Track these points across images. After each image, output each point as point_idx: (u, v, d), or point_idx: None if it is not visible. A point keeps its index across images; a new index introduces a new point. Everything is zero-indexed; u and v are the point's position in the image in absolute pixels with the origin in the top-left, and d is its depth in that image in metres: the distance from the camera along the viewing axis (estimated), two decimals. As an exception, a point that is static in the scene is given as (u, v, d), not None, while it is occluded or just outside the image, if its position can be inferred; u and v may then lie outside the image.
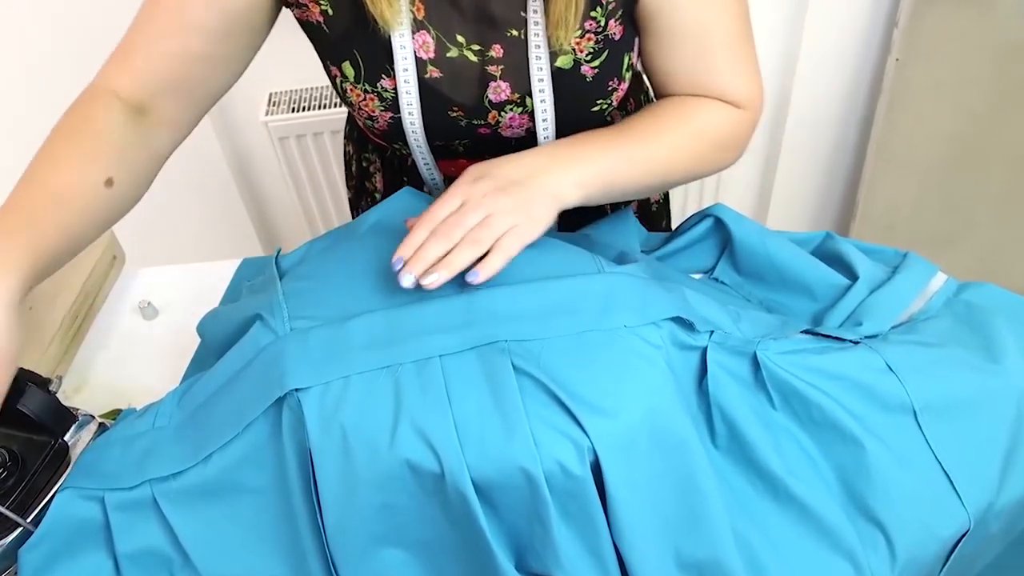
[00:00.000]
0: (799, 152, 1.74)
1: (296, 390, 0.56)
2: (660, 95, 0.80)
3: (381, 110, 0.75)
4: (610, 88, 0.76)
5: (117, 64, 0.72)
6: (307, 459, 0.56)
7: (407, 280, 0.58)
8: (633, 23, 0.75)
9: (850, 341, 0.67)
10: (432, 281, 0.58)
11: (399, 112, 0.75)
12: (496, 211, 0.62)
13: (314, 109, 1.51)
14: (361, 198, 1.01)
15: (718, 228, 0.81)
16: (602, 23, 0.71)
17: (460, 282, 0.61)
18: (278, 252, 0.73)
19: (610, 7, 0.71)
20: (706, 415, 0.61)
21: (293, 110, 1.52)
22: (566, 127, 0.77)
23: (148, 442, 0.63)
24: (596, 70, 0.74)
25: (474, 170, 0.68)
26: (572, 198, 0.68)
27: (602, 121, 0.79)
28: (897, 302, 0.73)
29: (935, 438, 0.62)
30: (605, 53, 0.73)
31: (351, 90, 0.75)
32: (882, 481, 0.60)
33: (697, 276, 0.81)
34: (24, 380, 0.62)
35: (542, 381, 0.55)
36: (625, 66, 0.76)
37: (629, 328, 0.58)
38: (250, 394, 0.60)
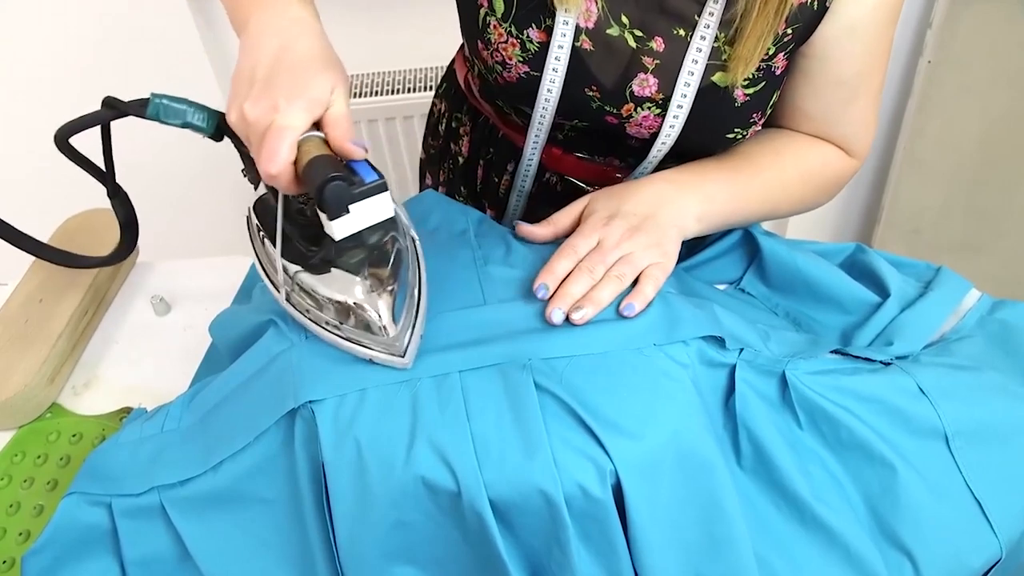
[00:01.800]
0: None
1: (310, 402, 0.55)
2: (773, 126, 0.80)
3: (519, 60, 0.71)
4: (752, 120, 0.73)
5: None
6: (320, 472, 0.54)
7: (557, 316, 0.59)
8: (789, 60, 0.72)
9: (881, 362, 0.65)
10: (582, 316, 0.59)
11: (538, 70, 0.71)
12: (635, 249, 0.64)
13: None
14: (443, 160, 0.97)
15: (746, 240, 0.79)
16: (771, 52, 0.68)
17: (483, 296, 0.59)
18: None
19: (785, 39, 0.68)
20: (732, 434, 0.60)
21: (312, 101, 1.49)
22: (691, 144, 0.74)
23: (156, 446, 0.62)
24: (748, 97, 0.71)
25: (603, 204, 0.70)
26: (693, 231, 0.71)
27: (724, 148, 0.77)
28: (929, 321, 0.72)
29: (967, 465, 0.61)
30: (762, 83, 0.70)
31: (495, 26, 0.71)
32: (911, 507, 0.59)
33: (722, 287, 0.79)
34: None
35: (565, 400, 0.53)
36: (771, 102, 0.73)
37: (657, 346, 0.56)
38: (262, 403, 0.58)
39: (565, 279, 0.62)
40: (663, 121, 0.72)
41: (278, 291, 0.61)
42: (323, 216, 0.52)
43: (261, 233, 0.64)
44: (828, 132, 0.78)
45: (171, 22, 1.44)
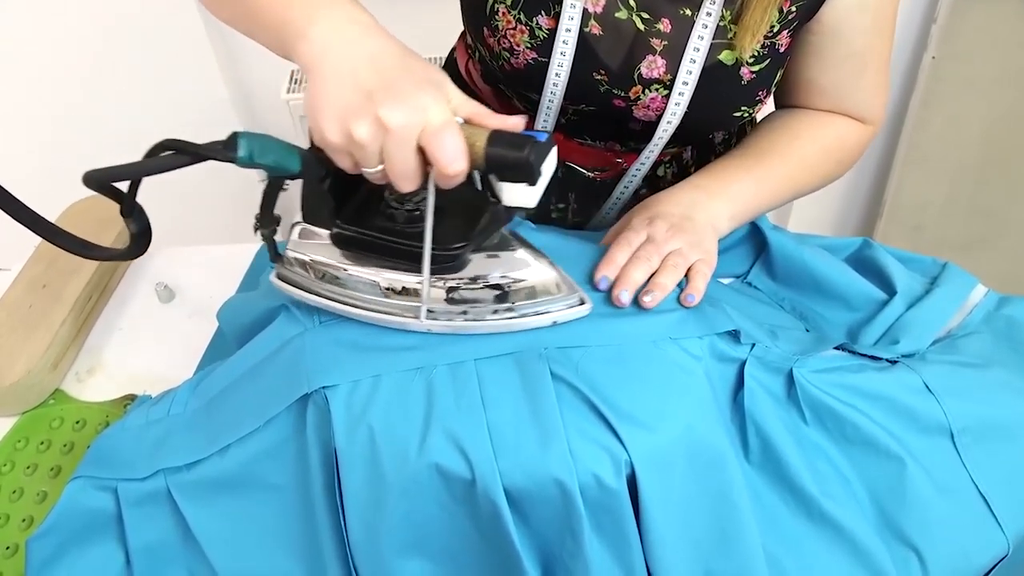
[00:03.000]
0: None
1: (324, 387, 0.54)
2: (785, 105, 0.82)
3: (527, 47, 0.71)
4: (758, 98, 0.74)
5: None
6: (331, 459, 0.54)
7: (626, 297, 0.60)
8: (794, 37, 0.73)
9: (887, 360, 0.65)
10: (652, 299, 0.60)
11: (545, 56, 0.71)
12: (681, 246, 0.66)
13: (335, 87, 1.49)
14: None
15: (753, 234, 0.79)
16: (775, 29, 0.70)
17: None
18: None
19: (789, 17, 0.69)
20: (740, 428, 0.60)
21: (314, 88, 1.48)
22: (698, 124, 0.75)
23: (162, 430, 0.62)
24: (754, 75, 0.72)
25: (641, 211, 0.71)
26: (726, 229, 0.73)
27: (730, 129, 0.79)
28: (935, 318, 0.72)
29: (973, 462, 0.61)
30: (767, 61, 0.71)
31: (504, 13, 0.71)
32: (918, 503, 0.59)
33: (727, 280, 0.79)
34: None
35: (581, 390, 0.53)
36: (776, 80, 0.74)
37: (673, 340, 0.56)
38: (273, 387, 0.58)
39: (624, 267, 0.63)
40: (668, 102, 0.72)
41: (415, 317, 0.56)
42: (513, 190, 0.49)
43: (351, 269, 0.57)
44: (842, 103, 0.79)
45: (176, 20, 1.43)
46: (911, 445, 0.60)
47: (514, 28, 0.71)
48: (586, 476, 0.50)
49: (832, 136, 0.80)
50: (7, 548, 0.66)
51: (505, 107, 0.83)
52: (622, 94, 0.73)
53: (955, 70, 1.47)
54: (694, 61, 0.70)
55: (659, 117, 0.74)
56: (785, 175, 0.77)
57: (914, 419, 0.60)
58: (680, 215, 0.69)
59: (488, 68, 0.78)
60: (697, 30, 0.69)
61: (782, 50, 0.72)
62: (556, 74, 0.72)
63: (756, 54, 0.70)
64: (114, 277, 0.87)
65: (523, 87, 0.77)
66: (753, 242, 0.79)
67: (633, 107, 0.73)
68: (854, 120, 0.80)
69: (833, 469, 0.60)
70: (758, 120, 0.84)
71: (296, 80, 1.50)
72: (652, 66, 0.71)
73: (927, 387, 0.62)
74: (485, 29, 0.73)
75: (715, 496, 0.54)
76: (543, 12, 0.70)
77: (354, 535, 0.54)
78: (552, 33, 0.70)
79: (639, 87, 0.72)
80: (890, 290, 0.73)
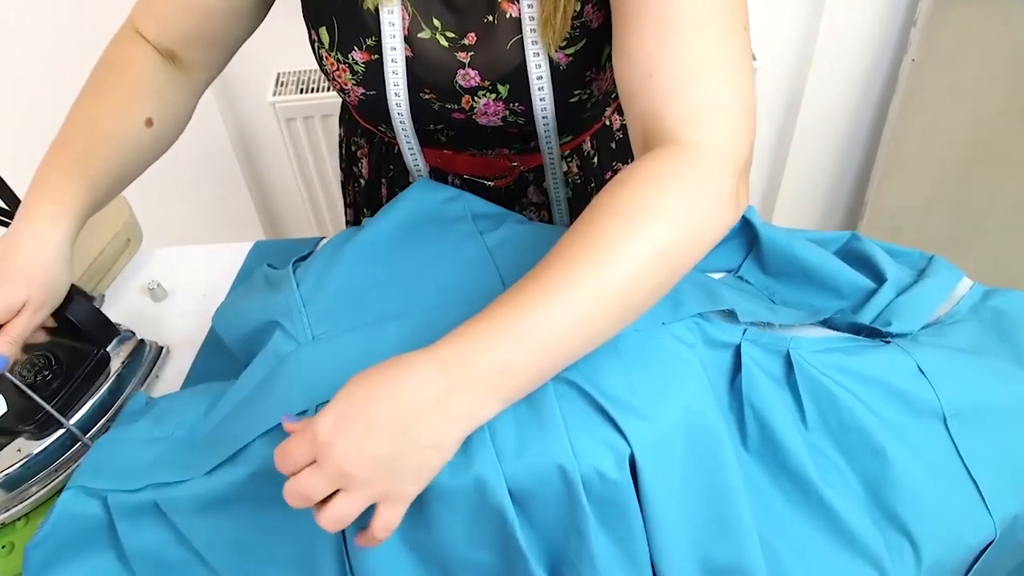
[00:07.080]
0: (808, 150, 1.73)
1: (321, 403, 0.54)
2: (625, 103, 0.61)
3: (353, 83, 0.74)
4: (588, 78, 0.74)
5: (143, 10, 0.74)
6: None
7: None
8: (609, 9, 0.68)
9: (881, 338, 0.65)
10: None
11: (372, 89, 0.74)
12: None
13: (322, 91, 1.49)
14: (349, 182, 1.00)
15: (745, 229, 0.79)
16: (577, 8, 0.68)
17: (502, 282, 0.59)
18: (295, 260, 0.71)
19: None
20: (737, 415, 0.60)
21: (301, 91, 1.49)
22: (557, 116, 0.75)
23: (163, 448, 0.61)
24: (570, 58, 0.71)
25: (327, 425, 0.46)
26: (486, 414, 0.48)
27: (584, 112, 0.78)
28: (925, 306, 0.72)
29: (964, 445, 0.61)
30: (582, 42, 0.70)
31: (326, 57, 0.74)
32: (910, 488, 0.59)
33: (718, 275, 0.80)
34: (72, 292, 0.67)
35: (579, 385, 0.53)
36: (605, 56, 0.73)
37: (665, 326, 0.57)
38: (272, 406, 0.57)
39: None
40: (507, 103, 0.73)
41: None
42: None
43: None
44: (662, 91, 0.57)
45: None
46: (904, 430, 0.60)
47: (337, 69, 0.74)
48: (588, 470, 0.50)
49: (649, 226, 0.51)
50: (3, 548, 0.66)
51: (391, 151, 0.88)
52: (455, 107, 0.74)
53: (935, 73, 1.49)
54: (538, 55, 0.70)
55: (504, 119, 0.75)
56: (574, 312, 0.49)
57: (907, 402, 0.61)
58: (363, 460, 0.46)
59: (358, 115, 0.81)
60: (528, 34, 0.69)
61: (594, 26, 0.70)
62: (396, 103, 0.74)
63: (568, 37, 0.69)
64: (107, 276, 0.87)
65: (373, 120, 0.80)
66: (745, 237, 0.80)
67: (472, 116, 0.75)
68: (681, 157, 0.54)
69: (828, 455, 0.60)
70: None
71: (282, 83, 1.50)
72: (467, 78, 0.72)
73: (920, 370, 0.62)
74: (325, 75, 0.77)
75: (713, 483, 0.55)
76: (356, 48, 0.72)
77: (354, 542, 0.53)
78: (369, 66, 0.72)
79: (468, 97, 0.73)
80: (879, 280, 0.74)
